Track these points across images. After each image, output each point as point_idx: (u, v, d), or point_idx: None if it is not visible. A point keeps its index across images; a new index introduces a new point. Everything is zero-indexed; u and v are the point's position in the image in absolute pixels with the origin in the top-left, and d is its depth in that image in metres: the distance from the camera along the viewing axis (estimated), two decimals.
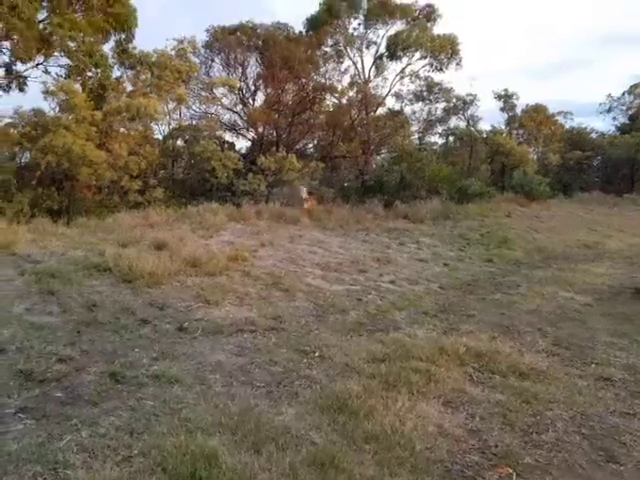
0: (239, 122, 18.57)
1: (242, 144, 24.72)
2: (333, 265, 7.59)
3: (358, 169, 20.24)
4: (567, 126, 26.97)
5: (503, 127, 24.33)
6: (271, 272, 6.67)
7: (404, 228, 11.93)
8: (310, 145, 21.42)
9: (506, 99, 23.89)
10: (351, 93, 19.50)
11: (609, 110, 28.51)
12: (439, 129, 24.14)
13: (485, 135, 23.63)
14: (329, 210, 12.29)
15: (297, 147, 18.66)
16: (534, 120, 24.70)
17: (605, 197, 21.77)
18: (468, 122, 23.62)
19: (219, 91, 16.85)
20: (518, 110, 24.54)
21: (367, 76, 19.81)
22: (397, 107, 21.58)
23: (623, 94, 28.10)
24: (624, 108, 27.99)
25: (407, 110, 22.20)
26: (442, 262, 9.20)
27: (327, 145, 19.83)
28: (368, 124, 19.67)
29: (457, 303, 6.35)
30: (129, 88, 13.48)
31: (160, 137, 14.82)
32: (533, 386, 3.66)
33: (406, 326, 5.12)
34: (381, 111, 21.20)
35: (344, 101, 19.13)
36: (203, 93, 16.60)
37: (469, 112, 23.34)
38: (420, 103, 22.08)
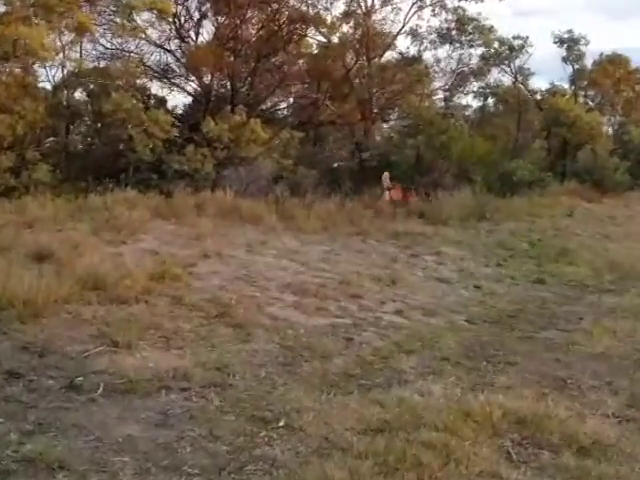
0: (174, 67, 17.89)
1: (178, 100, 24.07)
2: (312, 287, 7.61)
3: (354, 142, 20.43)
4: None
5: (566, 86, 24.78)
6: (216, 298, 6.62)
7: (419, 232, 12.04)
8: (283, 105, 21.53)
9: (571, 45, 24.18)
10: (345, 28, 19.59)
11: None
12: (474, 86, 24.50)
13: (540, 97, 24.06)
14: (308, 204, 12.34)
15: (263, 107, 18.62)
16: (611, 76, 25.14)
17: None
18: (516, 77, 24.00)
19: (143, 17, 15.76)
20: (588, 62, 24.90)
21: (370, 3, 19.92)
22: (413, 52, 21.81)
23: None
24: None
25: (427, 57, 22.49)
26: (473, 283, 9.25)
27: (308, 105, 19.94)
28: (370, 76, 19.90)
29: (492, 344, 6.39)
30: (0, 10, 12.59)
31: (48, 87, 14.11)
32: (597, 467, 3.71)
33: (416, 379, 5.15)
34: (390, 57, 21.48)
35: (335, 40, 19.23)
36: (118, 20, 15.24)
37: (517, 63, 23.72)
38: (447, 47, 22.33)
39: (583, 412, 4.52)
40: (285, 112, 21.34)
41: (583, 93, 25.99)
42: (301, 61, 19.14)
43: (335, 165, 19.99)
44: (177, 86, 18.24)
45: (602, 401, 4.80)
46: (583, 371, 5.58)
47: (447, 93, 23.95)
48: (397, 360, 5.63)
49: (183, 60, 17.45)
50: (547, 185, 17.75)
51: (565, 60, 24.59)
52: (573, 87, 25.17)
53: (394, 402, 4.46)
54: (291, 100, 21.49)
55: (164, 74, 17.94)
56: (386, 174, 15.31)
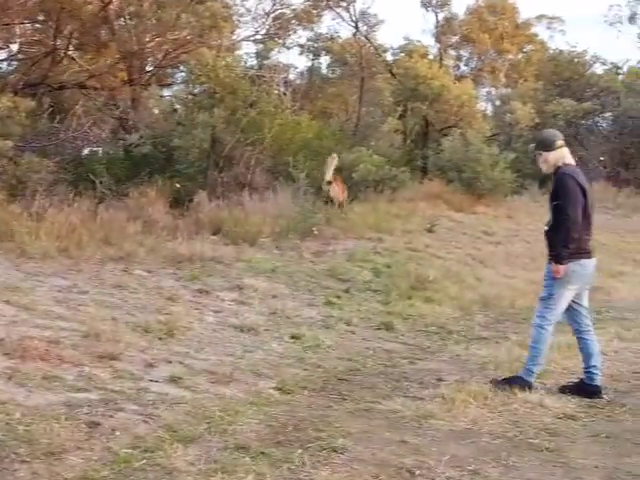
0: None
1: None
2: (38, 345, 7.41)
3: (117, 117, 20.15)
4: (551, 49, 29.90)
5: (428, 43, 26.24)
6: None
7: (213, 256, 12.15)
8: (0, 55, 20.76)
9: None
10: None
11: (632, 19, 32.14)
12: (299, 37, 25.25)
13: (392, 57, 25.28)
14: (38, 212, 12.05)
15: None
16: (490, 31, 26.90)
17: (616, 194, 24.43)
18: (357, 27, 25.10)
19: None
20: (459, 8, 26.55)
21: None
22: None
23: None
24: None
25: None
26: (289, 332, 9.50)
27: (42, 58, 19.46)
28: (140, 15, 19.79)
29: (312, 422, 6.58)
30: None
31: None
32: None
33: None
34: None
35: None
36: None
37: (358, 6, 24.77)
38: None
39: None
40: (3, 67, 20.69)
41: (453, 53, 27.69)
42: None
43: (86, 152, 19.62)
44: None
45: None
46: (438, 457, 5.86)
47: (259, 46, 24.44)
48: (168, 454, 5.58)
49: None
50: (401, 186, 18.55)
51: (425, 5, 26.00)
52: (438, 45, 26.60)
53: None
54: (14, 48, 20.86)
55: None
56: (334, 156, 15.17)
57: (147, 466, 5.42)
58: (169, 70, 22.36)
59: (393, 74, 24.47)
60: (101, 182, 15.56)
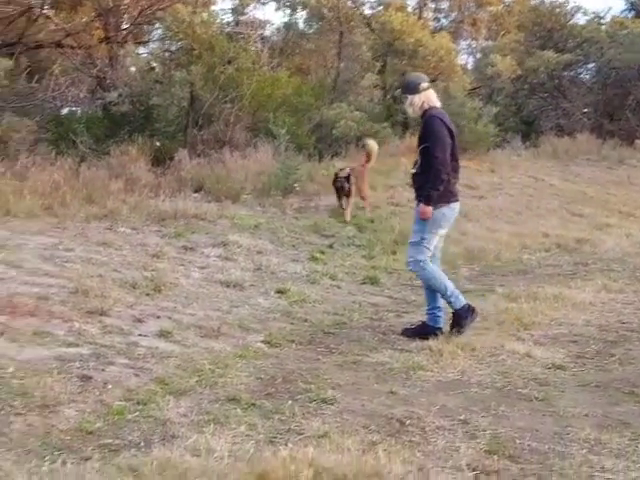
0: None
1: None
2: (27, 302, 7.47)
3: (95, 76, 19.96)
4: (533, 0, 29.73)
5: None
6: None
7: (196, 213, 12.13)
8: None
9: None
10: None
11: None
12: None
13: (370, 11, 25.12)
14: (20, 172, 12.07)
15: None
16: None
17: (600, 145, 24.42)
18: None
19: None
20: None
21: None
22: None
23: None
24: None
25: None
26: (275, 287, 9.59)
27: (18, 16, 19.21)
28: None
29: (301, 374, 6.70)
30: None
31: None
32: None
33: (189, 432, 5.25)
34: None
35: None
36: None
37: None
38: None
39: (427, 465, 4.83)
40: None
41: (432, 6, 27.53)
42: None
43: (65, 111, 19.47)
44: None
45: (453, 448, 5.17)
46: (428, 407, 5.98)
47: (235, 2, 24.31)
48: (160, 406, 5.70)
49: None
50: (382, 142, 18.50)
51: None
52: None
53: (155, 468, 4.51)
54: None
55: None
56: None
57: (140, 418, 5.52)
58: (145, 27, 22.10)
59: (371, 28, 24.29)
60: (81, 141, 15.48)
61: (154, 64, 21.04)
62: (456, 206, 7.91)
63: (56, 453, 4.81)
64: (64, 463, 4.64)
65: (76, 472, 4.50)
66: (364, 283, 10.40)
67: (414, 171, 7.96)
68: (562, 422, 5.75)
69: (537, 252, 13.15)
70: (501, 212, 15.81)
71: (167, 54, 20.48)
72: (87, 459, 4.75)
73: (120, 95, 17.89)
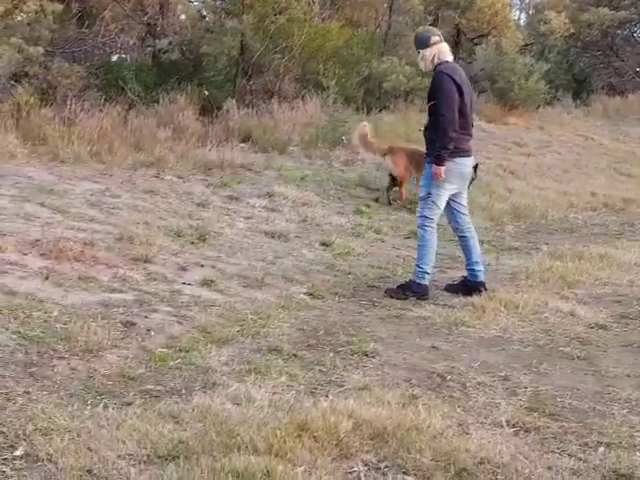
0: None
1: None
2: (73, 246, 7.48)
3: (145, 23, 19.93)
4: None
5: None
6: None
7: (243, 163, 12.15)
8: None
9: None
10: None
11: None
12: None
13: None
14: (70, 118, 12.07)
15: None
16: None
17: None
18: None
19: None
20: None
21: None
22: None
23: None
24: None
25: None
26: (319, 239, 9.59)
27: None
28: None
29: (343, 327, 6.69)
30: None
31: None
32: None
33: (231, 380, 5.27)
34: None
35: None
36: None
37: None
38: None
39: (466, 421, 4.83)
40: None
41: None
42: None
43: (114, 58, 19.46)
44: None
45: (493, 405, 5.14)
46: (469, 363, 5.97)
47: None
48: (203, 354, 5.73)
49: None
50: None
51: None
52: None
53: (195, 415, 4.57)
54: None
55: None
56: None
57: (182, 365, 5.55)
58: None
59: None
60: (130, 89, 15.50)
61: (205, 12, 20.98)
62: (464, 161, 7.79)
63: (98, 397, 4.84)
64: (106, 407, 4.68)
65: (117, 417, 4.53)
66: (408, 237, 10.33)
67: (422, 129, 7.92)
68: (603, 382, 5.71)
69: (584, 211, 13.05)
70: (549, 170, 15.65)
71: (218, 2, 20.35)
72: (129, 404, 4.78)
73: (170, 43, 17.93)
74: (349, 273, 8.57)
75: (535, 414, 5.02)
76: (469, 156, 7.87)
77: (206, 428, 4.40)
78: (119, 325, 6.11)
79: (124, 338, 5.91)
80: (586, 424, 4.92)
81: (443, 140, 7.48)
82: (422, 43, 7.75)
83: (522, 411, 5.06)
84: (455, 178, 7.72)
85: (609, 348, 6.49)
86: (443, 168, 7.52)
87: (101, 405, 4.70)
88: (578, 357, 6.24)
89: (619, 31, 27.67)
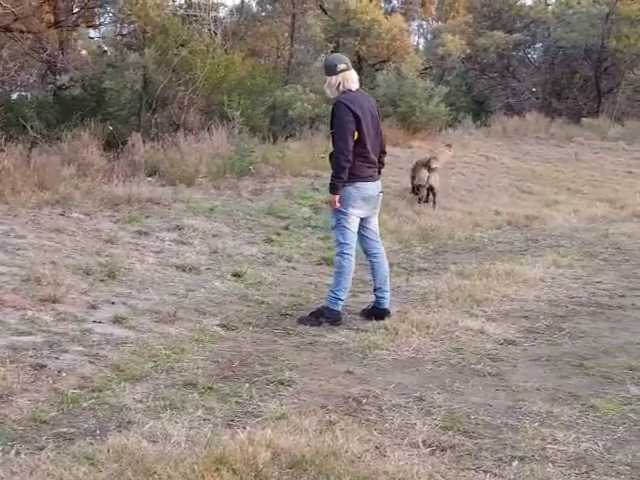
0: None
1: None
2: None
3: (45, 61, 19.72)
4: None
5: None
6: None
7: (150, 198, 12.05)
8: None
9: None
10: None
11: None
12: None
13: None
14: None
15: None
16: None
17: (549, 124, 24.80)
18: None
19: None
20: None
21: None
22: None
23: None
24: None
25: None
26: (231, 270, 9.56)
27: None
28: None
29: (258, 357, 6.69)
30: None
31: None
32: None
33: (146, 418, 5.22)
34: None
35: None
36: None
37: None
38: None
39: (384, 443, 4.88)
40: None
41: None
42: None
43: (14, 96, 19.22)
44: None
45: (409, 425, 5.21)
46: (384, 385, 6.03)
47: None
48: (116, 393, 5.65)
49: None
50: None
51: None
52: None
53: (111, 455, 4.51)
54: None
55: None
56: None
57: (96, 405, 5.45)
58: (97, 10, 21.86)
59: (324, 10, 24.34)
60: (32, 126, 15.28)
61: (106, 47, 20.86)
62: (365, 186, 7.76)
63: (9, 444, 4.73)
64: (18, 453, 4.59)
65: (30, 462, 4.45)
66: (320, 264, 10.39)
67: (323, 156, 8.01)
68: (514, 396, 5.84)
69: (489, 230, 13.31)
70: (454, 191, 15.94)
71: (119, 37, 20.28)
72: (42, 449, 4.69)
73: (71, 79, 17.74)
74: (262, 302, 8.54)
75: (450, 432, 5.10)
76: (372, 181, 7.86)
77: (122, 468, 4.35)
78: (29, 368, 5.97)
79: (35, 381, 5.77)
80: (499, 439, 5.01)
81: (336, 169, 7.56)
82: (329, 70, 7.80)
83: (437, 430, 5.14)
84: (358, 202, 7.73)
85: (519, 363, 6.65)
86: (337, 197, 7.59)
87: (13, 451, 4.60)
88: (489, 373, 6.37)
89: (514, 53, 28.47)
